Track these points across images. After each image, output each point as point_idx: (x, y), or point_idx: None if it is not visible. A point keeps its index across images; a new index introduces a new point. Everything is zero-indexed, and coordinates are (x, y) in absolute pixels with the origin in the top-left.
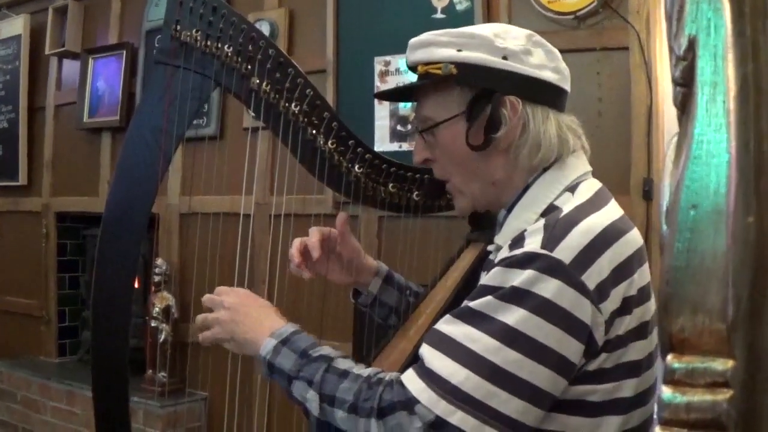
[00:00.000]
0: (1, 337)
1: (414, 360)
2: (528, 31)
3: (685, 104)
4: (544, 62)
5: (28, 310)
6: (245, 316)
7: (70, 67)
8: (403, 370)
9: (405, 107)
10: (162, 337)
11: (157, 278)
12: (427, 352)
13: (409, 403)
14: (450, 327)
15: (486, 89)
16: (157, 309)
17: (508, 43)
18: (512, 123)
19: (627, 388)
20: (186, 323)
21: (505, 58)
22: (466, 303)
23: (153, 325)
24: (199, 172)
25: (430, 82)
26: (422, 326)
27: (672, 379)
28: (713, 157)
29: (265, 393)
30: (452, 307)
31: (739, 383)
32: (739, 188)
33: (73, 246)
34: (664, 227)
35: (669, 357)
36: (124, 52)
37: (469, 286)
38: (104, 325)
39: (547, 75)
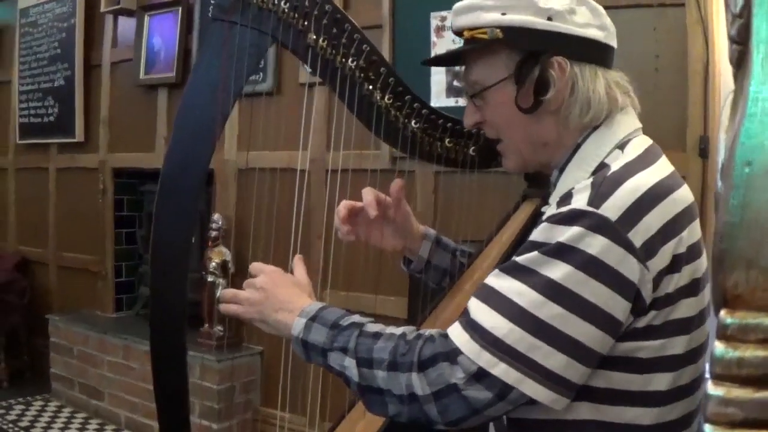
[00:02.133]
0: (59, 293)
1: None
2: None
3: (740, 62)
4: (590, 20)
5: (86, 265)
6: (274, 297)
7: (126, 24)
8: None
9: None
10: (219, 292)
11: (213, 233)
12: (473, 304)
13: (452, 354)
14: (496, 281)
15: (533, 51)
16: (213, 263)
17: (552, 3)
18: (561, 84)
19: (677, 345)
20: (242, 278)
21: (549, 18)
22: (513, 258)
23: (210, 279)
24: (255, 128)
25: (477, 46)
26: (478, 281)
27: (724, 334)
28: None
29: None
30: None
31: None
32: None
33: (130, 202)
34: (719, 183)
35: (722, 312)
36: (180, 8)
37: (524, 241)
38: (163, 280)
39: (593, 33)
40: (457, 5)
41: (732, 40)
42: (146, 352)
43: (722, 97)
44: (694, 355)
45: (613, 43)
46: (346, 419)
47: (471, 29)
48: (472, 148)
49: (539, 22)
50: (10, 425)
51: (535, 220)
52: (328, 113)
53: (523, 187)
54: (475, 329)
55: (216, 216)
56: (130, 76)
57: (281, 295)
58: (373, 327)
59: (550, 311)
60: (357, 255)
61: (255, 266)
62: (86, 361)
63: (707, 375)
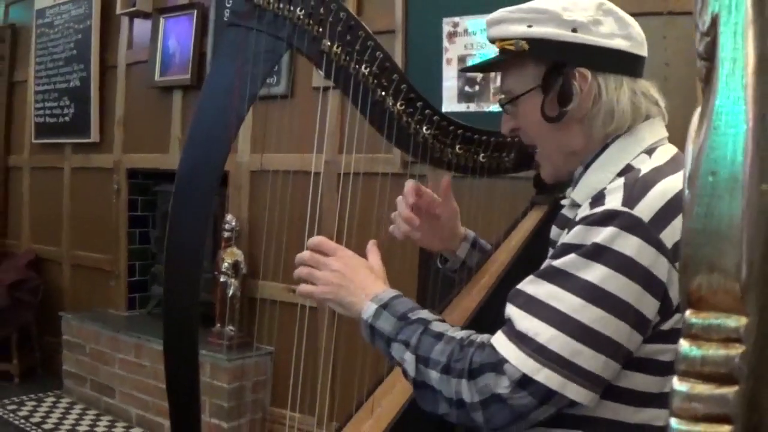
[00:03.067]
0: (72, 291)
1: (477, 317)
2: (599, 0)
3: (707, 77)
4: (615, 30)
5: (99, 264)
6: (350, 280)
7: (141, 26)
8: (465, 326)
9: None
10: (230, 292)
11: (226, 234)
12: (514, 313)
13: (499, 364)
14: (534, 287)
15: (557, 62)
16: (226, 264)
17: (576, 15)
18: (583, 94)
19: None
20: (254, 279)
21: (574, 30)
22: (549, 262)
23: (222, 279)
24: (269, 131)
25: (507, 57)
26: (485, 285)
27: (689, 333)
28: (731, 128)
29: (330, 348)
30: (516, 267)
31: (751, 339)
32: (755, 157)
33: (144, 202)
34: (686, 192)
35: (687, 312)
36: (195, 11)
37: (533, 246)
38: (176, 279)
39: (618, 43)
40: (489, 17)
41: (700, 56)
42: (158, 350)
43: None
44: None
45: (642, 53)
46: (354, 419)
47: (501, 40)
48: (482, 154)
49: (564, 34)
50: (22, 421)
51: (544, 224)
52: (340, 117)
53: (531, 193)
54: (518, 337)
55: (229, 217)
56: (145, 77)
57: (357, 278)
58: (438, 327)
59: (590, 314)
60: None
61: (326, 246)
62: (98, 359)
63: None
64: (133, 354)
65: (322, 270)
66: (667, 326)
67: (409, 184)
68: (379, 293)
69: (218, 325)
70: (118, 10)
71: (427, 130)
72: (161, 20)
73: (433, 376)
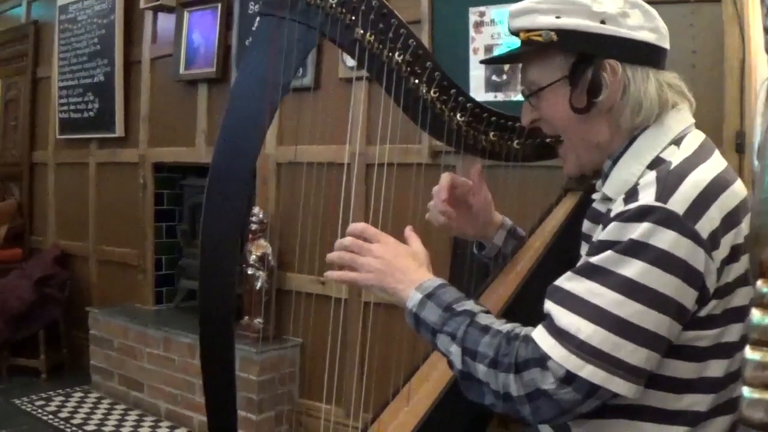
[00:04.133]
0: (100, 286)
1: (513, 304)
2: None
3: None
4: (642, 23)
5: (126, 259)
6: (394, 267)
7: (165, 20)
8: (500, 314)
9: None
10: (259, 285)
11: (254, 226)
12: (554, 309)
13: (542, 360)
14: (573, 284)
15: (586, 54)
16: (254, 257)
17: (605, 6)
18: (613, 86)
19: (733, 332)
20: (282, 271)
21: (603, 22)
22: (586, 259)
23: (250, 272)
24: (295, 123)
25: (533, 48)
26: (521, 272)
27: (761, 302)
28: None
29: (356, 340)
30: (550, 254)
31: None
32: None
33: (170, 196)
34: (756, 163)
35: (759, 282)
36: (220, 5)
37: (566, 233)
38: (212, 272)
39: (645, 35)
40: (513, 7)
41: (767, 30)
42: (187, 344)
43: (757, 87)
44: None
45: (666, 45)
46: (390, 406)
47: (527, 31)
48: (516, 141)
49: (593, 26)
50: (50, 416)
51: (580, 209)
52: (368, 108)
53: (564, 180)
54: (560, 334)
55: (256, 209)
56: (169, 71)
57: (401, 265)
58: (483, 319)
59: (630, 309)
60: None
61: (368, 233)
62: (126, 353)
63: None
64: (162, 348)
65: (366, 256)
66: (703, 313)
67: (445, 178)
68: (424, 281)
69: (246, 317)
70: (142, 5)
71: (461, 117)
72: (185, 14)
73: (480, 369)
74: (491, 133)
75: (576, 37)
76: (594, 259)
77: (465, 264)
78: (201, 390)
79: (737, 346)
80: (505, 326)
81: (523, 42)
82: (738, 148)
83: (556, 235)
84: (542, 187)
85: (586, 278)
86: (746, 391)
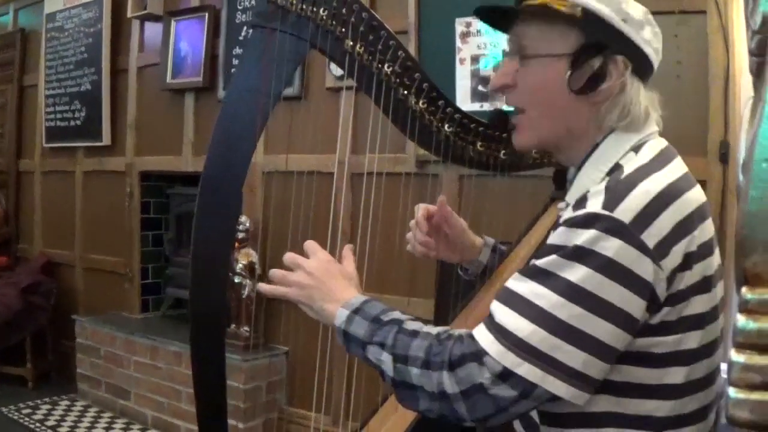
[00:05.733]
0: (87, 294)
1: None
2: (645, 8)
3: (759, 72)
4: (651, 39)
5: (113, 267)
6: (324, 285)
7: (153, 29)
8: None
9: (486, 67)
10: (245, 293)
11: (240, 235)
12: (496, 307)
13: (479, 354)
14: (518, 284)
15: (600, 42)
16: (240, 265)
17: (631, 9)
18: (615, 82)
19: (691, 340)
20: (268, 279)
21: (624, 21)
22: (533, 262)
23: (236, 281)
24: (281, 132)
25: (550, 13)
26: (506, 280)
27: (746, 308)
28: None
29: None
30: None
31: None
32: None
33: (157, 204)
34: (741, 177)
35: (743, 289)
36: (207, 14)
37: None
38: (203, 280)
39: (649, 51)
40: None
41: (752, 53)
42: (173, 352)
43: (742, 102)
44: (708, 349)
45: (656, 67)
46: (378, 413)
47: None
48: (503, 152)
49: (616, 19)
50: (37, 424)
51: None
52: (354, 118)
53: (550, 190)
54: (499, 331)
55: (243, 218)
56: (156, 80)
57: (330, 284)
58: (411, 325)
59: (570, 312)
60: (387, 259)
61: (310, 246)
62: (113, 362)
63: (730, 347)
64: (148, 356)
65: (297, 271)
66: (656, 320)
67: (420, 210)
68: (350, 299)
69: (233, 326)
70: (129, 14)
71: (449, 127)
72: (172, 23)
73: (414, 372)
74: (479, 144)
75: (599, 23)
76: (540, 262)
77: (452, 282)
78: (188, 398)
79: (696, 354)
80: (435, 329)
81: (537, 5)
82: (722, 157)
83: (541, 244)
84: (529, 197)
85: (530, 279)
86: (732, 392)
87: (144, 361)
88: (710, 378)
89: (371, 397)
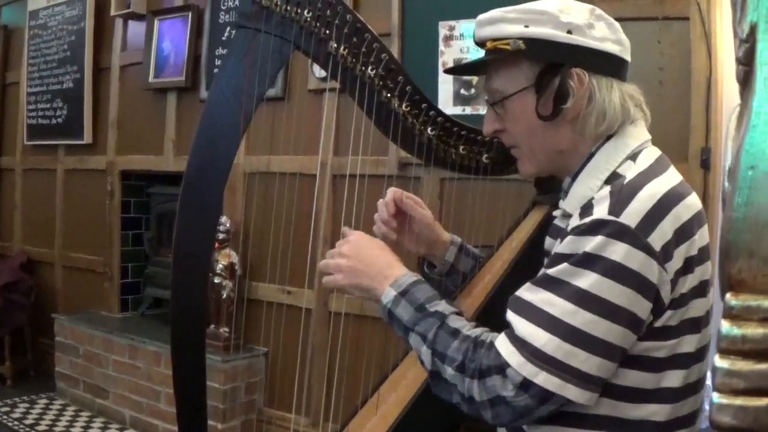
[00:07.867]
0: (66, 293)
1: (481, 315)
2: (590, 6)
3: (746, 80)
4: (607, 35)
5: (92, 266)
6: (365, 265)
7: (136, 28)
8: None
9: None
10: (225, 294)
11: (221, 235)
12: (513, 318)
13: (503, 367)
14: (530, 294)
15: (553, 63)
16: (220, 265)
17: (572, 17)
18: (579, 94)
19: (688, 343)
20: (251, 280)
21: (569, 32)
22: (543, 271)
23: (216, 281)
24: (263, 132)
25: (500, 57)
26: (488, 283)
27: (730, 314)
28: None
29: (323, 349)
30: (518, 266)
31: None
32: None
33: (137, 203)
34: (726, 184)
35: (728, 295)
36: (190, 13)
37: (534, 245)
38: (184, 280)
39: (610, 47)
40: (480, 17)
41: (739, 61)
42: (152, 351)
43: (724, 109)
44: (703, 353)
45: (628, 57)
46: (359, 415)
47: (494, 40)
48: (485, 155)
49: (560, 35)
50: (15, 422)
51: (545, 224)
52: (336, 120)
53: (532, 194)
54: (517, 341)
55: (224, 218)
56: (139, 79)
57: (369, 260)
58: (454, 322)
59: (582, 318)
60: None
61: (345, 231)
62: (91, 361)
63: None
64: (127, 355)
65: (334, 258)
66: (659, 323)
67: (390, 193)
68: (399, 277)
69: (212, 326)
70: (112, 12)
71: (431, 131)
72: (156, 22)
73: (448, 371)
74: (461, 147)
75: (544, 46)
76: (550, 271)
77: (431, 282)
78: (166, 398)
79: (693, 357)
80: (475, 331)
81: (489, 51)
82: (703, 163)
83: (524, 247)
84: (511, 200)
85: (542, 289)
86: (716, 397)
87: (123, 361)
88: (701, 383)
89: (351, 399)
